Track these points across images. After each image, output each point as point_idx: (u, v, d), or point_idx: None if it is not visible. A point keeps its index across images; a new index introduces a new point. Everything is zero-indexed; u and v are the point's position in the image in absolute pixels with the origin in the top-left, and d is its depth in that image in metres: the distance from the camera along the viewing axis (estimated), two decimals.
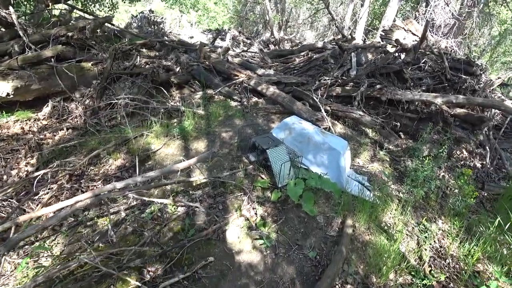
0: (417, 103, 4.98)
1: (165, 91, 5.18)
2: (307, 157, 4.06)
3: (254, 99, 5.65)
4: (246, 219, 3.06)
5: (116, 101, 4.66)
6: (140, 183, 3.11)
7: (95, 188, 3.43)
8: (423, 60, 5.63)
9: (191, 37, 11.19)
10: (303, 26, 19.56)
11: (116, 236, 2.83)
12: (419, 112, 5.06)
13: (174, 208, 3.14)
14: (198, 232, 2.81)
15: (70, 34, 5.15)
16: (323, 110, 4.98)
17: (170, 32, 11.22)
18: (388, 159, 4.41)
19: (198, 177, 3.36)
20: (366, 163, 4.35)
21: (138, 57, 5.67)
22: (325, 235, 3.00)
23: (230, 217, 3.04)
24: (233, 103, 5.53)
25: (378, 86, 4.96)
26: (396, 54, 5.53)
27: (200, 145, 4.13)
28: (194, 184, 3.44)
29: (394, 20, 10.26)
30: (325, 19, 18.90)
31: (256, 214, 3.09)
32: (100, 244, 2.79)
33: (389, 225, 3.29)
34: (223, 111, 5.17)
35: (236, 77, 6.04)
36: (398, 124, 4.98)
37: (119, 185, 2.81)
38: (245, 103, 5.44)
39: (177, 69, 5.96)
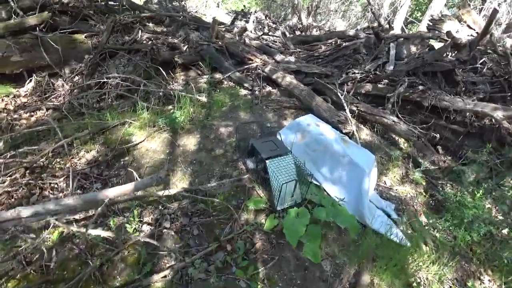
0: (468, 114, 3.81)
1: (164, 73, 4.33)
2: (320, 170, 3.12)
3: (268, 88, 4.69)
4: (226, 252, 2.22)
5: (105, 80, 3.89)
6: (53, 212, 2.15)
7: (53, 186, 2.72)
8: (481, 61, 4.36)
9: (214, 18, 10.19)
10: (335, 14, 17.81)
11: (56, 260, 2.10)
12: (468, 125, 3.89)
13: (138, 225, 2.36)
14: (156, 273, 2.01)
15: (65, 1, 4.38)
16: (347, 110, 3.95)
17: (196, 12, 10.28)
18: (423, 182, 3.36)
19: (169, 191, 2.51)
20: (395, 183, 3.33)
21: (141, 31, 4.83)
22: None
23: (203, 249, 2.20)
24: (243, 92, 4.60)
25: (420, 88, 3.82)
26: (448, 50, 4.29)
27: (190, 142, 3.29)
28: (171, 194, 2.64)
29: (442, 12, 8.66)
30: (359, 8, 17.05)
31: (239, 248, 2.24)
32: (34, 269, 2.08)
33: (419, 281, 2.33)
34: (229, 100, 4.27)
35: (251, 62, 5.06)
36: (438, 136, 3.86)
37: (25, 212, 2.03)
38: (256, 92, 4.49)
39: (185, 48, 5.07)
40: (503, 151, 3.71)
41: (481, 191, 3.02)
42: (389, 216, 2.90)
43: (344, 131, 3.80)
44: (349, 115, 3.90)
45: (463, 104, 3.63)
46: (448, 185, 3.44)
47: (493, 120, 3.66)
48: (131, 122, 3.35)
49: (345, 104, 4.01)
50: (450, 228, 2.89)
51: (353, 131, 3.75)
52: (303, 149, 3.24)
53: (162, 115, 3.60)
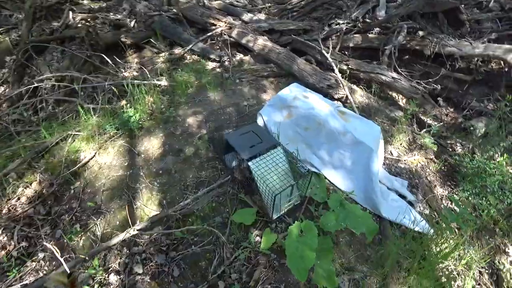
0: (476, 59, 3.19)
1: (109, 60, 3.47)
2: (317, 154, 2.55)
3: (239, 56, 3.91)
4: None
5: (36, 84, 3.05)
6: None
7: None
8: None
9: None
10: None
11: None
12: (474, 71, 3.29)
13: (103, 277, 1.82)
14: None
15: None
16: (336, 71, 3.28)
17: None
18: (434, 146, 2.84)
19: (128, 233, 1.90)
20: (403, 153, 2.82)
21: (72, 12, 3.82)
22: None
23: None
24: (210, 65, 3.82)
25: (420, 33, 3.13)
26: None
27: (152, 145, 2.62)
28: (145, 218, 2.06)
29: None
30: None
31: (234, 285, 1.74)
32: None
33: (448, 271, 1.93)
34: (194, 78, 3.51)
35: (214, 27, 4.17)
36: (439, 87, 3.27)
37: None
38: (226, 63, 3.72)
39: (132, 24, 4.12)
40: None
41: (505, 154, 2.55)
42: (404, 197, 2.43)
43: (336, 96, 3.18)
44: (339, 76, 3.24)
45: (471, 48, 3.00)
46: (458, 144, 2.96)
47: (504, 63, 3.08)
48: (75, 135, 2.64)
49: (332, 64, 3.33)
50: (469, 198, 2.46)
51: (347, 95, 3.14)
52: (293, 129, 2.64)
53: (114, 116, 2.88)
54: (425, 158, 2.78)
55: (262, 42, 3.67)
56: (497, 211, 2.33)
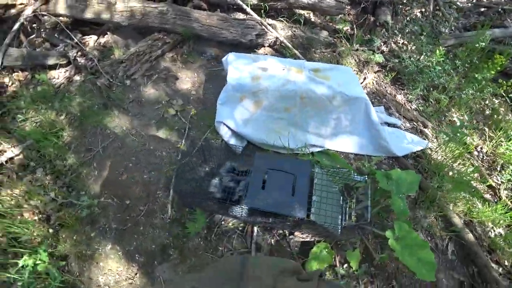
0: None
1: None
2: (310, 130, 2.01)
3: (91, 41, 2.33)
4: None
5: None
6: None
7: None
8: None
9: None
10: None
11: None
12: None
13: None
14: None
15: None
16: (249, 9, 2.38)
17: None
18: (380, 58, 2.65)
19: None
20: (359, 77, 2.57)
21: None
22: None
23: None
24: (57, 77, 2.17)
25: None
26: None
27: None
28: None
29: None
30: None
31: None
32: None
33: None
34: (55, 114, 2.00)
35: (13, 9, 2.18)
36: None
37: None
38: (82, 61, 2.15)
39: None
40: None
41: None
42: (394, 125, 2.31)
43: (266, 44, 2.43)
44: (256, 16, 2.39)
45: None
46: (381, 44, 2.87)
47: None
48: None
49: (239, 1, 2.37)
50: (420, 93, 2.57)
51: (276, 37, 2.41)
52: (269, 118, 1.92)
53: None
54: (375, 73, 2.65)
55: (122, 5, 2.18)
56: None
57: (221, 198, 1.57)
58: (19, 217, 1.70)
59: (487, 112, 2.68)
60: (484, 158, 2.36)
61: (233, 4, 2.45)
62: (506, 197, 2.12)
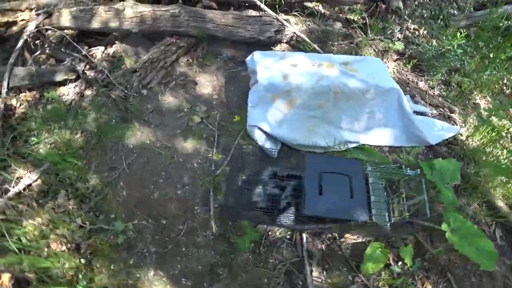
0: None
1: None
2: (343, 126, 1.91)
3: (99, 52, 2.17)
4: None
5: None
6: None
7: None
8: None
9: None
10: None
11: None
12: None
13: None
14: None
15: None
16: (263, 5, 2.26)
17: None
18: (400, 45, 2.54)
19: None
20: None
21: None
22: None
23: None
24: (67, 93, 1.99)
25: None
26: None
27: None
28: None
29: None
30: None
31: None
32: None
33: None
34: (69, 133, 1.85)
35: (15, 24, 1.99)
36: None
37: None
38: (92, 74, 2.00)
39: None
40: None
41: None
42: (422, 113, 2.23)
43: (284, 40, 2.32)
44: (270, 12, 2.27)
45: None
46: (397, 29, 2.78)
47: None
48: None
49: None
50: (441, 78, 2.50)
51: (294, 32, 2.31)
52: (303, 116, 1.82)
53: None
54: (394, 61, 2.57)
55: (131, 10, 2.03)
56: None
57: (267, 208, 1.46)
58: (46, 249, 1.55)
59: (507, 92, 2.65)
60: None
61: (244, 1, 2.33)
62: None
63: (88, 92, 2.04)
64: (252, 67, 1.85)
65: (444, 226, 1.46)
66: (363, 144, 1.95)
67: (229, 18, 2.14)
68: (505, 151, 2.08)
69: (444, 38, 2.59)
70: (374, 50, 2.52)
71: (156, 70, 2.07)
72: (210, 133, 1.89)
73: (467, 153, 2.07)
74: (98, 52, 2.18)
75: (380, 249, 1.56)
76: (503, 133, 2.27)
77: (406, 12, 2.90)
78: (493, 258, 1.43)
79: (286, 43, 2.34)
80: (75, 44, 2.03)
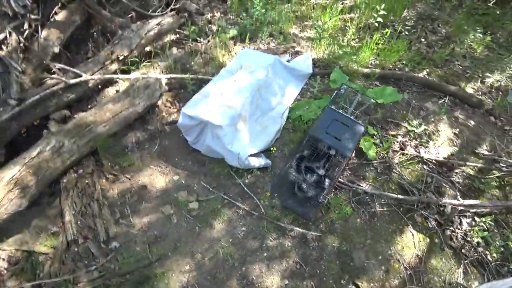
0: None
1: None
2: (272, 107, 2.14)
3: None
4: None
5: None
6: None
7: None
8: None
9: None
10: None
11: None
12: None
13: None
14: None
15: None
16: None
17: None
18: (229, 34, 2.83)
19: None
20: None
21: None
22: None
23: None
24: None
25: None
26: None
27: None
28: None
29: None
30: None
31: None
32: None
33: None
34: None
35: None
36: None
37: None
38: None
39: None
40: None
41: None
42: (288, 61, 2.71)
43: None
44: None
45: None
46: None
47: None
48: None
49: None
50: None
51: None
52: (254, 122, 1.95)
53: None
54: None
55: None
56: None
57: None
58: None
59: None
60: None
61: None
62: None
63: None
64: (191, 123, 1.76)
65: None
66: (290, 106, 2.28)
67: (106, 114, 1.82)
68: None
69: None
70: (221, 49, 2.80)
71: None
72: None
73: (331, 60, 2.79)
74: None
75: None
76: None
77: None
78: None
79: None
80: None
